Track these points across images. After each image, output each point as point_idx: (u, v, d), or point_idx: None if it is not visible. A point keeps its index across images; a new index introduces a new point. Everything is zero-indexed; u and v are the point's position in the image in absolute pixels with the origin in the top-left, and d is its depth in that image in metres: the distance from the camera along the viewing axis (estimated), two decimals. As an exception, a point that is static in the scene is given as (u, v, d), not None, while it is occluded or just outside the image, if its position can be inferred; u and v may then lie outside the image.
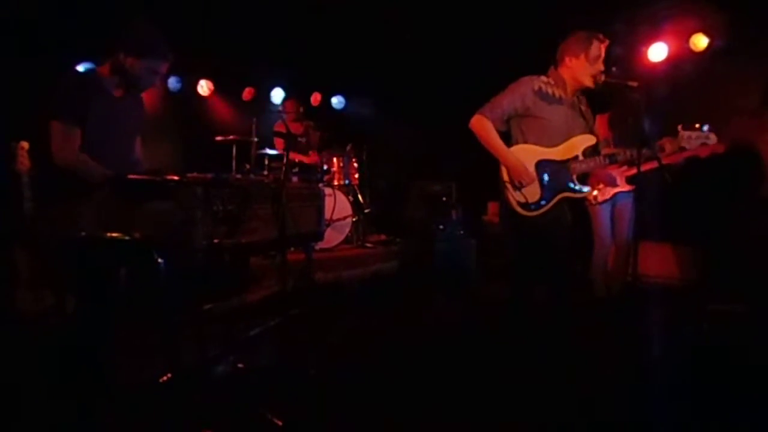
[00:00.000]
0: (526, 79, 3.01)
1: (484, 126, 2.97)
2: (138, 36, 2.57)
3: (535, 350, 2.94)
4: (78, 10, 4.85)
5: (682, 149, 2.86)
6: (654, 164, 3.99)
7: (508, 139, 3.05)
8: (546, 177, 2.94)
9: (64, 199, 2.41)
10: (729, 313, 3.99)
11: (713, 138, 2.81)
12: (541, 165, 2.95)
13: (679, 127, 2.84)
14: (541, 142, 2.96)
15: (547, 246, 3.00)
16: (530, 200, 2.94)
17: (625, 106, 3.83)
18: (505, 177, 2.99)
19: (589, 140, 2.99)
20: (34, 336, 2.64)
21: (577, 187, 2.98)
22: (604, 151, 3.09)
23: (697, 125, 2.83)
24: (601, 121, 4.36)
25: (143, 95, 2.85)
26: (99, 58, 2.76)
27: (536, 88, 2.96)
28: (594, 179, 4.24)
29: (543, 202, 2.94)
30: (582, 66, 2.95)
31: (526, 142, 2.98)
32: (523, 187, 2.94)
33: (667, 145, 2.86)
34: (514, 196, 2.97)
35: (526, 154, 2.96)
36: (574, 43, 2.97)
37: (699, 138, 2.82)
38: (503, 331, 3.33)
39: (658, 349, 3.26)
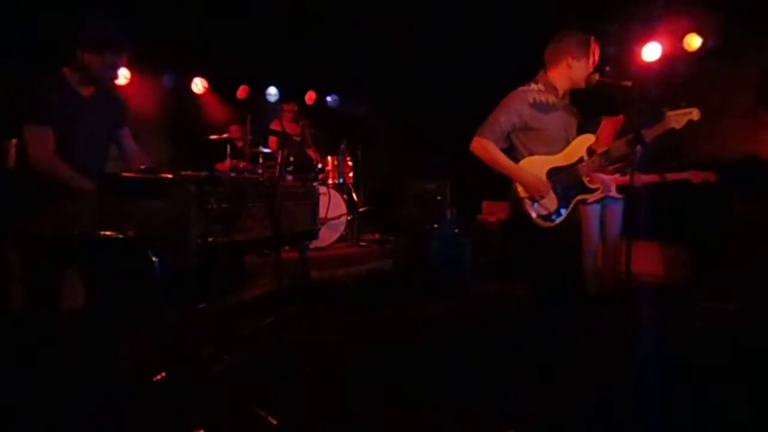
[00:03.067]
0: (518, 92, 2.93)
1: (487, 148, 2.87)
2: (92, 31, 2.55)
3: (531, 349, 2.94)
4: (67, 8, 4.81)
5: (672, 129, 2.82)
6: (653, 178, 4.07)
7: (510, 154, 2.99)
8: (558, 185, 2.92)
9: (58, 198, 2.40)
10: (719, 311, 4.03)
11: (696, 113, 2.79)
12: (552, 174, 2.91)
13: (665, 109, 2.83)
14: (545, 152, 2.92)
15: (569, 251, 2.97)
16: (549, 211, 2.90)
17: (628, 108, 3.83)
18: (522, 193, 2.90)
19: (589, 139, 2.97)
20: (28, 333, 2.63)
21: (589, 188, 2.97)
22: (600, 148, 3.07)
23: (683, 103, 2.82)
24: (608, 124, 4.35)
25: (120, 92, 2.85)
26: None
27: (531, 100, 2.90)
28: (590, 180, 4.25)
29: (563, 210, 2.91)
30: (583, 68, 2.92)
31: (531, 154, 2.92)
32: (543, 198, 2.89)
33: (655, 131, 2.83)
34: (535, 210, 2.89)
35: (534, 166, 2.91)
36: (576, 45, 2.92)
37: (685, 114, 2.81)
38: (497, 332, 3.33)
39: (649, 346, 3.27)
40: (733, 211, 4.82)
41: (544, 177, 2.90)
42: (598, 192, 3.03)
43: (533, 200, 2.89)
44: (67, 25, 2.63)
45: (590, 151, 2.96)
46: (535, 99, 2.91)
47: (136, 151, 2.91)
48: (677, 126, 2.81)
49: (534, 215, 2.89)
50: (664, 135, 2.84)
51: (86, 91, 2.64)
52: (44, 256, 2.43)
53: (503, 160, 2.88)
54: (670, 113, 2.82)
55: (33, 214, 2.42)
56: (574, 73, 2.93)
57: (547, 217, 2.90)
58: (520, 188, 2.90)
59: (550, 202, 2.90)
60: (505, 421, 2.50)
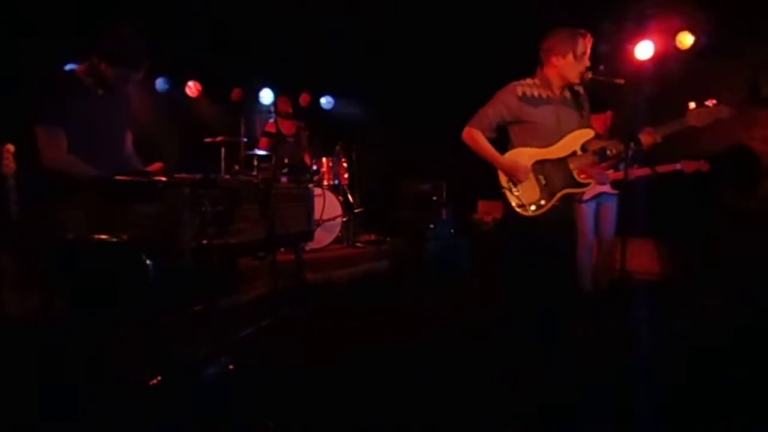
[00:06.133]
0: (509, 86, 3.03)
1: (473, 136, 3.04)
2: (112, 43, 2.54)
3: (524, 348, 2.95)
4: (63, 10, 4.80)
5: (692, 128, 2.79)
6: (645, 171, 4.10)
7: (502, 145, 3.06)
8: (543, 177, 2.96)
9: (51, 202, 2.39)
10: (712, 308, 4.04)
11: (725, 110, 2.75)
12: (538, 165, 2.97)
13: (690, 105, 2.78)
14: (536, 144, 2.98)
15: (558, 247, 3.00)
16: (529, 201, 2.95)
17: (621, 105, 3.85)
18: (503, 182, 3.02)
19: (587, 134, 3.00)
20: (21, 338, 2.61)
21: (579, 182, 2.98)
22: (594, 145, 3.07)
23: (708, 102, 2.74)
24: (596, 121, 4.38)
25: (129, 91, 2.84)
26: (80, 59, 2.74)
27: (519, 93, 2.98)
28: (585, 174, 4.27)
29: (542, 202, 2.94)
30: (570, 64, 2.94)
31: (524, 146, 3.00)
32: (520, 183, 2.96)
33: (669, 128, 2.84)
34: (513, 199, 2.99)
35: (521, 157, 2.99)
36: (559, 42, 2.95)
37: (711, 113, 2.75)
38: (494, 331, 3.33)
39: (644, 342, 3.28)
40: (727, 207, 4.84)
41: (528, 166, 2.96)
42: (591, 187, 3.05)
43: (512, 187, 2.98)
44: (88, 28, 2.63)
45: (584, 147, 2.98)
46: (524, 92, 2.99)
47: (132, 154, 2.91)
48: (698, 124, 2.79)
49: (513, 203, 2.98)
50: (678, 132, 2.82)
51: (99, 91, 2.64)
52: (37, 262, 2.42)
53: (486, 148, 3.03)
54: (692, 110, 2.78)
55: (26, 219, 2.42)
56: (562, 69, 2.97)
57: (524, 207, 2.95)
58: (502, 177, 3.01)
59: (530, 190, 2.96)
60: (502, 420, 2.50)
